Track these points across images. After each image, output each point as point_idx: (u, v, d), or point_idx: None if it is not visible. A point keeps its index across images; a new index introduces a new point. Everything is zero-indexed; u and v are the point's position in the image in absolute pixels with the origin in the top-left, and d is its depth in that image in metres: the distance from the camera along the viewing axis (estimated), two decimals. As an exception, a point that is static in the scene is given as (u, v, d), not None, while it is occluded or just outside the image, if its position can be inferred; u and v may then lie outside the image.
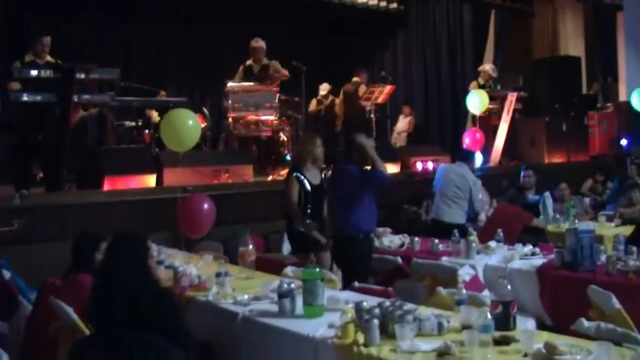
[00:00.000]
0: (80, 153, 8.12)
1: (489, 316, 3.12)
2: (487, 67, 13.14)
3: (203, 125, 10.05)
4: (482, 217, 7.69)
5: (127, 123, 10.83)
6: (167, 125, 6.40)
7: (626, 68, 14.47)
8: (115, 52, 12.49)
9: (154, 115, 11.16)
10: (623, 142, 13.32)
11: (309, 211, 5.89)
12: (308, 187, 5.86)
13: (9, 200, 6.63)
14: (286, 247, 7.29)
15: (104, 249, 4.53)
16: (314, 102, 12.47)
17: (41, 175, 8.20)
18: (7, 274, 5.74)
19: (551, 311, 4.89)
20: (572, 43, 15.21)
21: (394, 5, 15.02)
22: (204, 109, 11.22)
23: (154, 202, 7.09)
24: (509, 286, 3.36)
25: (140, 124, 10.72)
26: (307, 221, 5.86)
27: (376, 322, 3.24)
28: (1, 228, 6.36)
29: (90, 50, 11.55)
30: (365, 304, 3.51)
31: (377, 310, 3.38)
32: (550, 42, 15.46)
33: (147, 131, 10.60)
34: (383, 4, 14.85)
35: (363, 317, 3.33)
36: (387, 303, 3.52)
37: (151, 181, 7.45)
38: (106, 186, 7.16)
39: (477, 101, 11.29)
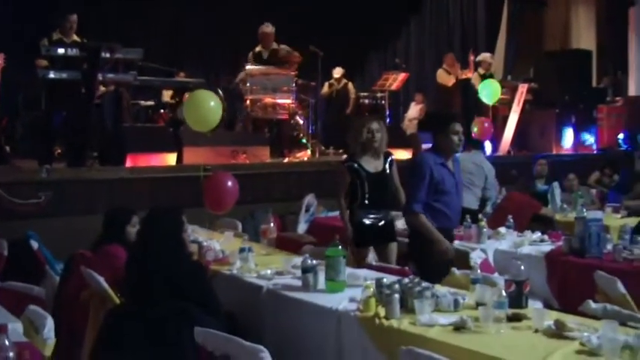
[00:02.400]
0: (102, 130, 8.34)
1: (504, 293, 3.34)
2: (486, 55, 13.29)
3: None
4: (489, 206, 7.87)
5: (143, 102, 11.03)
6: (191, 105, 6.59)
7: (637, 63, 14.62)
8: (132, 32, 12.65)
9: (168, 96, 11.39)
10: (620, 135, 13.52)
11: (366, 201, 5.56)
12: (363, 174, 5.52)
13: (36, 174, 6.85)
14: (302, 227, 7.53)
15: (137, 222, 4.80)
16: (326, 85, 12.65)
17: (59, 151, 8.44)
18: (35, 245, 5.97)
19: (558, 295, 5.10)
20: (584, 36, 15.35)
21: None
22: (219, 90, 11.41)
23: (175, 180, 7.32)
24: (522, 267, 3.58)
25: (154, 103, 10.95)
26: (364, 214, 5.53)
27: (397, 296, 3.45)
28: (29, 200, 6.59)
29: (108, 30, 11.72)
30: (385, 280, 3.73)
31: (397, 286, 3.60)
32: (562, 34, 15.60)
33: (162, 111, 10.82)
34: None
35: (384, 292, 3.55)
36: (406, 280, 3.75)
37: (171, 159, 7.69)
38: (129, 163, 7.39)
39: (490, 91, 11.44)
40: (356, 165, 5.54)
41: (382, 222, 5.60)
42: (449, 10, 15.72)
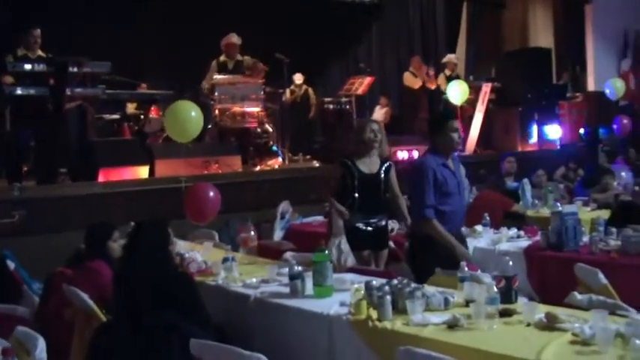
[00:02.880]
0: (69, 146, 8.26)
1: (495, 289, 3.40)
2: (451, 57, 13.50)
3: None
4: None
5: (107, 116, 10.94)
6: (172, 116, 6.59)
7: (594, 59, 14.93)
8: (92, 45, 12.54)
9: (132, 108, 11.33)
10: (581, 131, 13.77)
11: (356, 202, 5.40)
12: (355, 173, 5.40)
13: (8, 192, 6.77)
14: (277, 235, 7.52)
15: (118, 236, 4.79)
16: (287, 92, 12.64)
17: (25, 169, 8.34)
18: (11, 265, 5.90)
19: (539, 289, 5.17)
20: (542, 35, 15.60)
21: (370, -3, 15.37)
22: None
23: (150, 193, 7.30)
24: (510, 263, 3.64)
25: (119, 116, 10.87)
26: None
27: (389, 298, 3.49)
28: (3, 220, 6.51)
29: (67, 43, 11.60)
30: (375, 282, 3.76)
31: (387, 288, 3.63)
32: (520, 33, 15.84)
33: (127, 124, 10.75)
34: (359, -4, 15.18)
35: (375, 294, 3.57)
36: (395, 281, 3.78)
37: (143, 172, 7.65)
38: (101, 177, 7.33)
39: (457, 92, 11.59)
40: (349, 162, 5.44)
41: (375, 227, 5.48)
42: (409, 13, 15.87)
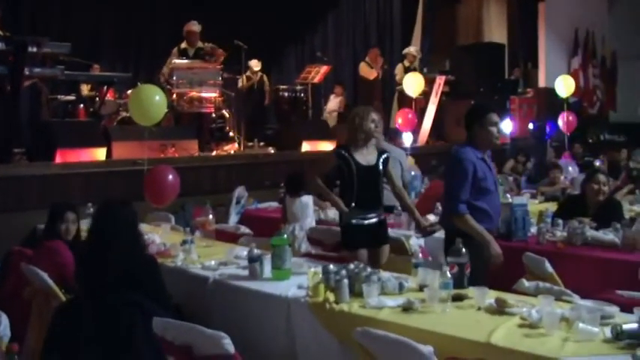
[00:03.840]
0: (26, 125, 8.21)
1: (449, 275, 3.55)
2: (412, 49, 13.70)
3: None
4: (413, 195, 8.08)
5: (61, 97, 10.85)
6: (136, 100, 6.63)
7: (546, 56, 15.27)
8: (48, 24, 12.42)
9: (86, 90, 11.25)
10: (530, 126, 14.09)
11: (352, 195, 5.02)
12: (354, 166, 4.99)
13: (-37, 172, 6.72)
14: (232, 219, 7.61)
15: (72, 218, 4.83)
16: (244, 78, 12.68)
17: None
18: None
19: (489, 277, 5.36)
20: (496, 30, 15.88)
21: (326, -14, 15.48)
22: (139, 84, 11.33)
23: (107, 175, 7.31)
24: (463, 249, 3.80)
25: (75, 98, 10.80)
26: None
27: (346, 281, 3.62)
28: (-43, 199, 6.47)
29: (21, 23, 11.50)
30: (332, 266, 3.89)
31: (344, 272, 3.77)
32: (475, 28, 16.09)
33: (81, 105, 10.69)
34: (316, -16, 15.27)
35: (333, 278, 3.71)
36: (352, 266, 3.91)
37: (101, 154, 7.65)
38: (58, 158, 7.31)
39: (413, 84, 11.78)
40: (346, 153, 5.05)
41: (373, 222, 5.08)
42: (365, 4, 16.02)
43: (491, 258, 4.45)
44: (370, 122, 5.09)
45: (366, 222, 5.03)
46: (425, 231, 5.14)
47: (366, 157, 5.09)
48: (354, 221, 5.01)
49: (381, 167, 5.13)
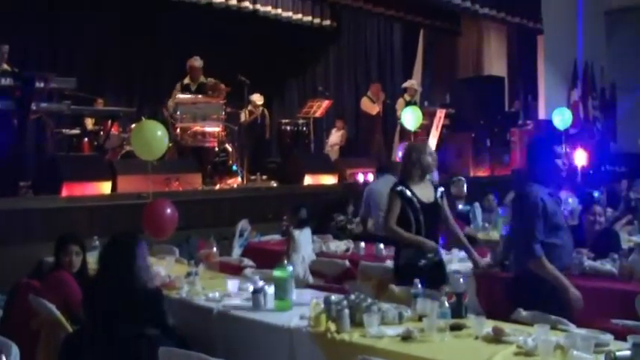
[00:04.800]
0: (32, 159, 8.35)
1: (447, 304, 3.64)
2: (413, 83, 13.86)
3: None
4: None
5: (66, 131, 11.00)
6: (139, 135, 6.78)
7: (545, 88, 15.44)
8: (53, 58, 12.63)
9: (91, 124, 11.42)
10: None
11: (413, 233, 4.88)
12: (417, 205, 4.86)
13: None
14: (236, 252, 7.68)
15: (75, 250, 4.93)
16: (246, 112, 12.81)
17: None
18: (-27, 276, 5.97)
19: (486, 307, 5.41)
20: (496, 63, 16.06)
21: (327, 22, 15.69)
22: (143, 118, 11.49)
23: (112, 208, 7.43)
24: (461, 280, 3.89)
25: (79, 131, 10.96)
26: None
27: (347, 311, 3.71)
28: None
29: (27, 58, 11.70)
30: (333, 297, 3.98)
31: (345, 302, 3.86)
32: (475, 61, 16.26)
33: (85, 139, 10.84)
34: (317, 20, 15.48)
35: (334, 308, 3.79)
36: (353, 296, 4.01)
37: (106, 187, 7.77)
38: (64, 192, 7.43)
39: (412, 117, 11.91)
40: (409, 193, 4.91)
41: (434, 262, 4.95)
42: (366, 38, 16.23)
43: (571, 302, 4.23)
44: (428, 156, 5.00)
45: (428, 262, 4.87)
46: (483, 271, 5.15)
47: (425, 193, 4.97)
48: (417, 262, 4.83)
49: (440, 202, 5.03)
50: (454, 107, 14.41)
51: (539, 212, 4.25)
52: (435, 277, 4.76)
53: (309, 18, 15.25)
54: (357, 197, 9.46)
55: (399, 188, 4.94)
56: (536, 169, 4.45)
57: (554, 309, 3.88)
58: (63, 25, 12.64)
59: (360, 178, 10.95)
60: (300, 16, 14.91)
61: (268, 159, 12.97)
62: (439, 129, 13.29)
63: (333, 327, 3.72)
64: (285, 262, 4.38)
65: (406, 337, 3.48)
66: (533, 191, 4.33)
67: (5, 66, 7.97)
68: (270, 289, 4.36)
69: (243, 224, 7.99)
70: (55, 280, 4.83)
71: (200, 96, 9.99)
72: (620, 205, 10.16)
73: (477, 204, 8.46)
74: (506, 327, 3.50)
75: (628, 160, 16.18)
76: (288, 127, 12.67)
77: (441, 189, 5.06)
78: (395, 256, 5.10)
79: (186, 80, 10.28)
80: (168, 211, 6.49)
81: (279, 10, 14.33)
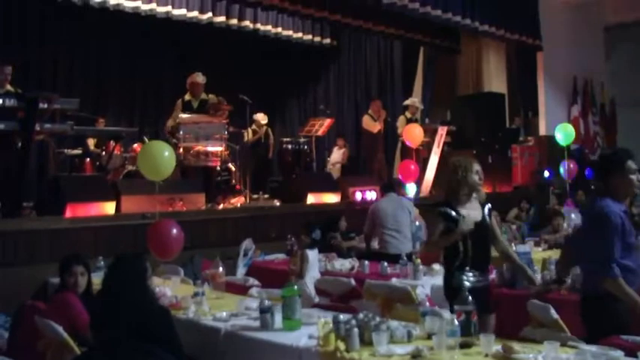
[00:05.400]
0: (34, 180, 8.36)
1: (456, 322, 3.64)
2: (415, 100, 13.90)
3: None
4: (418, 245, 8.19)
5: (68, 151, 11.03)
6: (146, 155, 6.81)
7: (545, 104, 15.47)
8: (54, 78, 12.71)
9: (92, 144, 11.46)
10: (546, 173, 14.19)
11: (466, 257, 4.63)
12: (464, 226, 4.61)
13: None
14: (240, 271, 7.70)
15: (80, 270, 4.93)
16: (249, 132, 12.85)
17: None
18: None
19: (494, 325, 5.43)
20: (496, 80, 16.10)
21: (327, 40, 15.80)
22: (145, 138, 11.54)
23: (117, 228, 7.44)
24: (470, 298, 3.89)
25: (82, 152, 11.00)
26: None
27: (356, 330, 3.71)
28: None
29: (29, 76, 11.78)
30: (342, 316, 3.98)
31: (354, 321, 3.85)
32: (475, 78, 16.32)
33: (87, 159, 10.86)
34: (317, 39, 15.59)
35: (343, 327, 3.80)
36: (361, 315, 4.00)
37: (110, 208, 7.77)
38: (68, 213, 7.43)
39: (412, 135, 11.93)
40: (453, 213, 4.66)
41: (482, 286, 4.69)
42: (366, 56, 16.30)
43: None
44: (474, 174, 4.77)
45: (476, 285, 4.60)
46: (542, 289, 5.06)
47: (473, 213, 4.72)
48: (466, 283, 4.56)
49: (487, 221, 4.80)
50: (455, 124, 14.44)
51: (617, 230, 4.10)
52: (481, 303, 4.32)
53: (310, 37, 15.40)
54: (351, 214, 9.51)
55: (443, 209, 4.71)
56: (609, 186, 4.28)
57: (632, 330, 3.77)
58: (62, 46, 12.72)
59: (358, 196, 10.96)
60: (300, 34, 15.05)
61: (270, 178, 12.99)
62: (440, 146, 13.30)
63: (342, 346, 3.72)
64: (298, 281, 4.38)
65: (415, 356, 3.49)
66: (611, 208, 4.15)
67: (8, 87, 7.98)
68: (278, 309, 4.36)
69: (247, 243, 8.01)
70: (61, 302, 4.83)
71: (203, 115, 10.00)
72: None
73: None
74: (516, 345, 3.49)
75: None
76: (290, 146, 12.69)
77: (489, 206, 4.83)
78: (445, 279, 4.84)
79: (187, 97, 10.29)
80: (174, 231, 6.50)
81: (280, 29, 14.46)
